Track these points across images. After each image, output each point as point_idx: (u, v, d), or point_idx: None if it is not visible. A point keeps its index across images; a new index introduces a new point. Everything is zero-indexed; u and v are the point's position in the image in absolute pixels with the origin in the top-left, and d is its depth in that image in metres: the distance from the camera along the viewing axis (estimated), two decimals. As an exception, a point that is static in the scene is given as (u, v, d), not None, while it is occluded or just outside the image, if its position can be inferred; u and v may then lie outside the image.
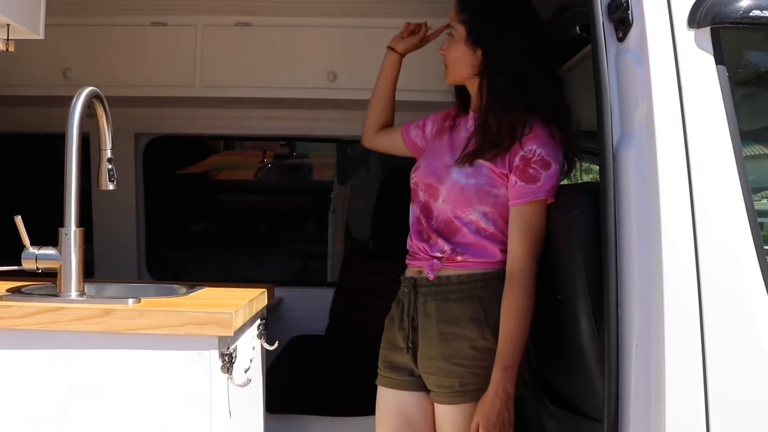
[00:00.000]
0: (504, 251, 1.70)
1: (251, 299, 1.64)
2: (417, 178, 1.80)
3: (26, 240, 1.50)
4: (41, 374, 1.41)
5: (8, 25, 1.76)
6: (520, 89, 1.68)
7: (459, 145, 1.76)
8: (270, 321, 3.44)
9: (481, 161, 1.69)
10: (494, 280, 1.69)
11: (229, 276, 4.13)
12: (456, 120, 1.85)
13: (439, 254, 1.71)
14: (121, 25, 3.01)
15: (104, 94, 3.09)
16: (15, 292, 1.53)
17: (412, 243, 1.79)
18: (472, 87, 1.77)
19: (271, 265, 4.19)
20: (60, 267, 1.47)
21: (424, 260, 1.73)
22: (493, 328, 1.66)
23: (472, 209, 1.69)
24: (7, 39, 1.78)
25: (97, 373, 1.40)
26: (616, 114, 1.39)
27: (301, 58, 3.03)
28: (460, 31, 1.73)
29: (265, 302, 1.85)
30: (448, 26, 1.78)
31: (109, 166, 1.70)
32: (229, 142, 4.42)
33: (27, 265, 1.50)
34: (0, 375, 1.40)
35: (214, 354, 1.40)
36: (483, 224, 1.69)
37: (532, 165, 1.65)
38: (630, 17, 1.37)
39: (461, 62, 1.73)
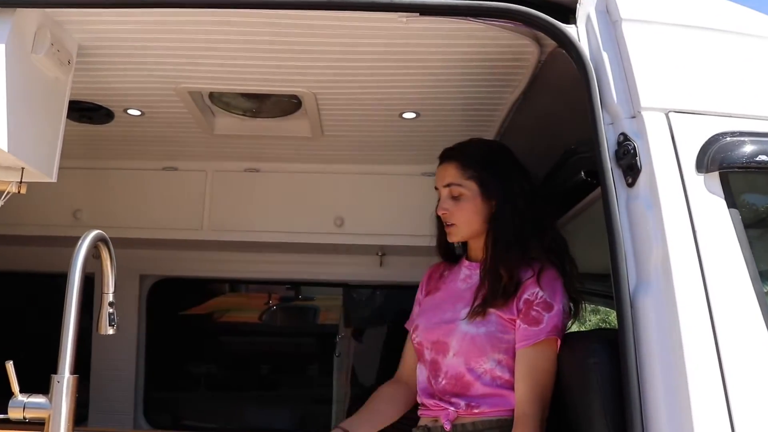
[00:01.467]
0: None
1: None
2: (420, 337, 1.78)
3: (15, 387, 1.42)
4: None
5: (23, 168, 1.78)
6: (527, 236, 1.70)
7: (462, 297, 1.75)
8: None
9: (490, 309, 1.70)
10: (510, 425, 1.65)
11: (231, 421, 3.96)
12: (444, 273, 1.88)
13: (454, 409, 1.69)
14: (133, 169, 3.10)
15: (111, 235, 3.13)
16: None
17: (422, 399, 1.76)
18: (478, 240, 1.77)
19: (274, 410, 4.03)
20: (49, 417, 1.37)
21: (439, 410, 1.70)
22: None
23: (485, 358, 1.66)
24: (20, 182, 1.79)
25: None
26: (631, 260, 1.36)
27: (309, 204, 3.08)
28: (470, 187, 1.76)
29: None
30: (447, 185, 1.80)
31: (110, 310, 1.65)
32: (235, 284, 4.41)
33: (13, 414, 1.40)
34: None
35: None
36: (498, 372, 1.67)
37: (535, 307, 1.66)
38: (638, 164, 1.38)
39: (476, 216, 1.75)
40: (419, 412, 1.79)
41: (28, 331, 3.54)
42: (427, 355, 1.74)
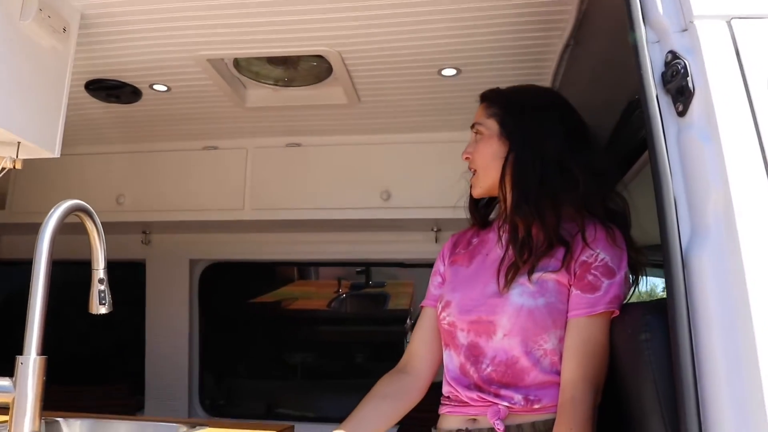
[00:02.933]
0: None
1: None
2: (452, 316, 1.45)
3: (-19, 369, 1.31)
4: None
5: (18, 143, 1.68)
6: (565, 184, 1.41)
7: (502, 265, 1.44)
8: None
9: (543, 275, 1.39)
10: None
11: (291, 410, 3.84)
12: (473, 240, 1.58)
13: (506, 404, 1.36)
14: (173, 151, 3.01)
15: (156, 219, 3.08)
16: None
17: (456, 391, 1.42)
18: (505, 191, 1.49)
19: (339, 399, 3.88)
20: (12, 401, 1.24)
21: (483, 406, 1.37)
22: None
23: (546, 335, 1.36)
24: (16, 157, 1.69)
25: None
26: (683, 207, 1.08)
27: (353, 178, 2.90)
28: (490, 125, 1.50)
29: (275, 448, 1.55)
30: (473, 126, 1.55)
31: (101, 288, 1.51)
32: (304, 270, 4.30)
33: (-21, 398, 1.29)
34: None
35: None
36: (559, 353, 1.37)
37: (593, 271, 1.36)
38: (691, 86, 1.09)
39: (494, 160, 1.48)
40: (445, 410, 1.44)
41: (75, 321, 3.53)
42: (462, 338, 1.42)
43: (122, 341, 3.60)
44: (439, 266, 1.60)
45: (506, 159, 1.45)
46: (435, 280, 1.60)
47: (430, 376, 1.55)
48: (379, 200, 2.86)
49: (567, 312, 1.37)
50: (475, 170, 1.52)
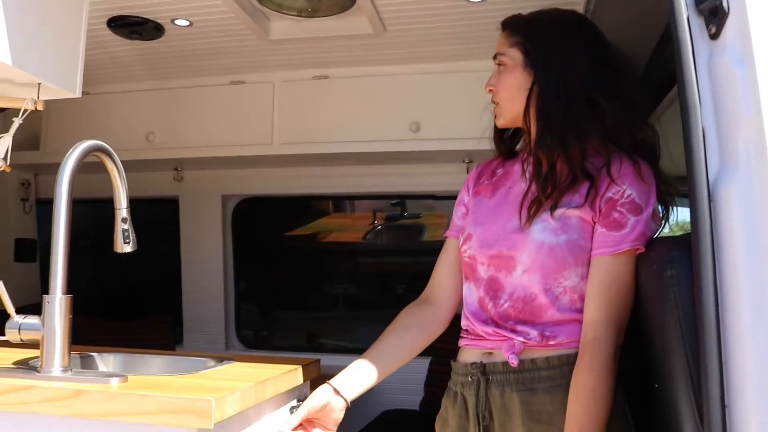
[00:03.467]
0: None
1: (267, 379, 1.37)
2: (473, 249, 1.41)
3: (10, 308, 1.34)
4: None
5: (39, 84, 1.68)
6: (591, 115, 1.33)
7: (525, 200, 1.38)
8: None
9: (566, 211, 1.32)
10: None
11: (323, 341, 3.93)
12: (497, 171, 1.51)
13: (522, 339, 1.33)
14: (201, 87, 2.99)
15: (186, 156, 3.09)
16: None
17: (473, 325, 1.40)
18: (529, 123, 1.41)
19: (377, 329, 3.95)
20: (42, 338, 1.28)
21: (500, 340, 1.35)
22: None
23: (567, 273, 1.32)
24: (37, 99, 1.69)
25: None
26: (712, 137, 1.01)
27: (381, 110, 2.85)
28: (513, 55, 1.41)
29: (300, 381, 1.57)
30: (495, 57, 1.47)
31: (125, 227, 1.52)
32: (339, 203, 4.31)
33: (10, 336, 1.33)
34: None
35: (193, 450, 1.13)
36: (579, 291, 1.33)
37: (619, 208, 1.30)
38: (725, 4, 1.01)
39: (518, 91, 1.39)
40: (463, 342, 1.42)
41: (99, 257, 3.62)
42: (482, 272, 1.38)
43: (164, 276, 3.69)
44: (463, 196, 1.54)
45: (530, 90, 1.37)
46: (459, 211, 1.54)
47: (453, 308, 1.52)
48: (408, 132, 2.81)
49: (590, 250, 1.32)
50: (498, 102, 1.44)
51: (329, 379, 1.42)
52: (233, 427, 1.25)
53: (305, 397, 1.66)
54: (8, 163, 1.68)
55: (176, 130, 3.02)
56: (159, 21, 2.39)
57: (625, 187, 1.30)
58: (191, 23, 2.41)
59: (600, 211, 1.31)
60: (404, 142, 2.82)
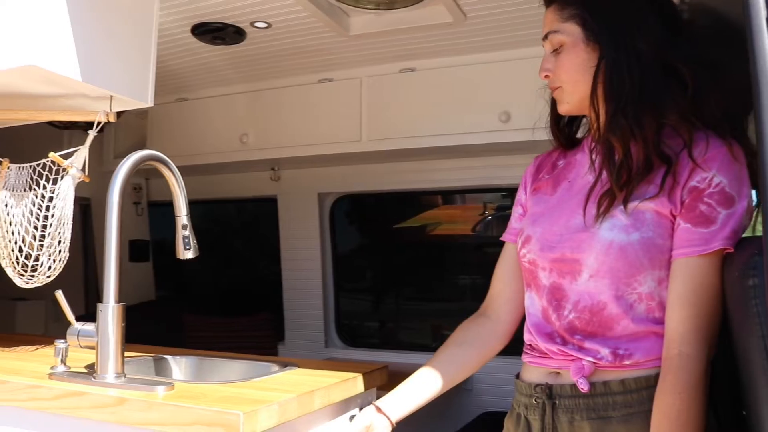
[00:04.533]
0: None
1: (315, 390, 1.33)
2: (533, 253, 1.25)
3: (69, 315, 1.39)
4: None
5: (111, 96, 1.74)
6: (669, 87, 1.15)
7: (593, 193, 1.20)
8: (456, 394, 3.10)
9: (639, 205, 1.14)
10: None
11: (426, 339, 3.86)
12: (558, 163, 1.33)
13: (591, 359, 1.16)
14: (290, 87, 3.02)
15: (279, 156, 3.14)
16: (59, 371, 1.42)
17: (536, 341, 1.24)
18: (597, 105, 1.21)
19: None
20: (96, 345, 1.32)
21: (565, 360, 1.19)
22: None
23: (642, 277, 1.14)
24: (109, 111, 1.75)
25: None
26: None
27: (470, 100, 2.73)
28: (570, 30, 1.22)
29: (359, 389, 1.52)
30: (546, 37, 1.27)
31: (185, 233, 1.54)
32: (447, 197, 4.23)
33: (71, 342, 1.38)
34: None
35: (223, 463, 1.11)
36: (657, 298, 1.15)
37: (706, 199, 1.11)
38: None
39: (583, 71, 1.20)
40: (527, 359, 1.27)
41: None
42: (544, 278, 1.22)
43: (270, 274, 3.78)
44: (521, 195, 1.39)
45: (597, 67, 1.19)
46: (516, 212, 1.39)
47: (514, 320, 1.37)
48: (498, 123, 2.68)
49: (669, 249, 1.13)
50: (559, 87, 1.26)
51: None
52: (275, 437, 1.22)
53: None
54: (86, 173, 1.75)
55: (268, 131, 3.07)
56: (239, 25, 2.42)
57: (712, 174, 1.11)
58: (270, 25, 2.42)
59: (682, 203, 1.12)
60: (495, 133, 2.69)
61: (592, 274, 1.16)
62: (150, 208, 3.73)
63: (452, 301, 3.85)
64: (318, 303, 3.43)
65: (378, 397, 1.65)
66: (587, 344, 1.16)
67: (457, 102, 2.75)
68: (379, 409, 1.31)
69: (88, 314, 3.34)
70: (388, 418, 1.30)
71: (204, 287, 3.97)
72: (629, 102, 1.15)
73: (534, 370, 1.24)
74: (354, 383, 1.50)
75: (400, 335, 3.79)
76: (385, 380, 1.66)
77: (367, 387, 1.55)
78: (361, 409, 1.57)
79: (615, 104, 1.16)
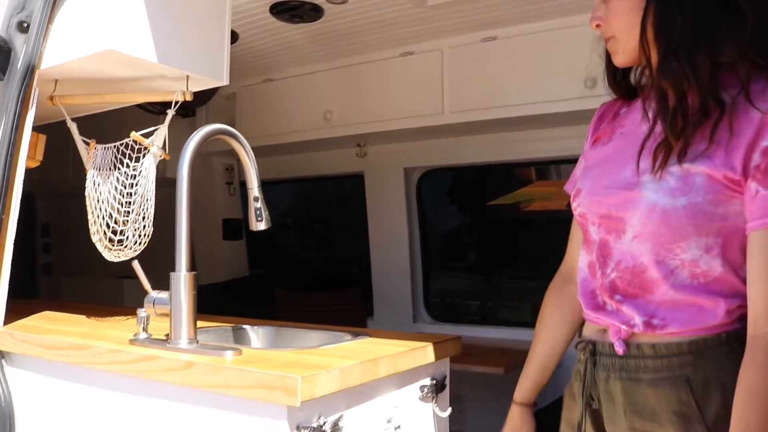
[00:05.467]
0: (732, 307, 1.06)
1: (380, 357, 1.33)
2: (583, 207, 1.19)
3: (146, 284, 1.45)
4: (132, 419, 1.32)
5: (187, 76, 1.79)
6: (727, 21, 1.03)
7: (647, 147, 1.11)
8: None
9: (690, 166, 1.04)
10: (712, 350, 1.06)
11: (525, 317, 3.78)
12: (620, 112, 1.24)
13: (625, 327, 1.12)
14: (372, 62, 3.01)
15: (361, 132, 3.15)
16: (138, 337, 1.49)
17: (582, 303, 1.21)
18: (648, 50, 1.10)
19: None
20: (170, 312, 1.37)
21: (605, 321, 1.17)
22: (710, 428, 1.04)
23: (685, 244, 1.06)
24: (186, 90, 1.81)
25: (173, 429, 1.28)
26: None
27: (553, 67, 2.61)
28: None
29: (430, 359, 1.50)
30: None
31: (257, 206, 1.57)
32: (541, 169, 4.12)
33: (148, 310, 1.45)
34: (103, 413, 1.36)
35: (283, 426, 1.13)
36: (703, 266, 1.06)
37: None
38: None
39: (636, 15, 1.09)
40: (585, 316, 1.22)
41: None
42: (594, 233, 1.16)
43: (359, 251, 3.82)
44: (586, 145, 1.30)
45: (645, 10, 1.08)
46: (580, 162, 1.30)
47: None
48: (584, 89, 2.55)
49: (720, 217, 1.04)
50: (612, 36, 1.15)
51: None
52: (336, 404, 1.22)
53: (442, 376, 1.60)
54: (167, 151, 1.82)
55: (351, 107, 3.08)
56: (314, 2, 2.43)
57: None
58: (345, 0, 2.42)
59: (757, 167, 1.00)
60: (581, 100, 2.56)
61: (635, 234, 1.09)
62: (242, 187, 3.85)
63: (549, 279, 3.73)
64: (406, 278, 3.43)
65: (451, 368, 1.64)
66: (624, 307, 1.12)
67: (541, 69, 2.64)
68: (519, 404, 1.36)
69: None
70: (527, 406, 1.36)
71: (296, 264, 4.07)
72: (681, 42, 1.04)
73: (588, 326, 1.23)
74: (423, 352, 1.48)
75: (499, 313, 3.74)
76: (458, 351, 1.63)
77: (438, 357, 1.53)
78: (432, 379, 1.56)
79: (666, 45, 1.06)
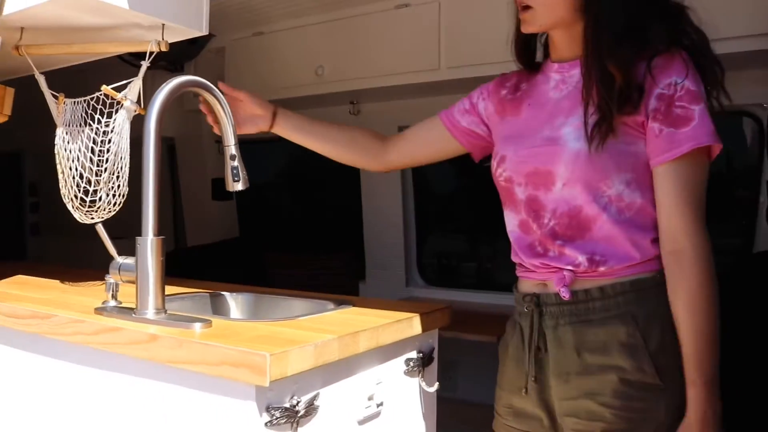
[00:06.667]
0: (656, 237, 1.19)
1: (360, 330, 1.24)
2: (509, 171, 1.29)
3: (111, 249, 1.36)
4: (96, 394, 1.24)
5: (163, 25, 1.67)
6: (647, 20, 1.18)
7: (560, 109, 1.25)
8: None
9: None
10: (651, 289, 1.19)
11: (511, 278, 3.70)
12: (520, 85, 1.36)
13: (570, 267, 1.22)
14: (367, 14, 2.86)
15: (356, 87, 3.02)
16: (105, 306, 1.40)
17: (521, 258, 1.31)
18: (568, 31, 1.24)
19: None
20: (136, 280, 1.28)
21: (548, 272, 1.26)
22: (653, 356, 1.16)
23: (610, 181, 1.19)
24: (162, 39, 1.68)
25: (138, 406, 1.20)
26: None
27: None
28: None
29: (416, 331, 1.41)
30: None
31: (233, 164, 1.46)
32: None
33: (113, 276, 1.35)
34: (65, 387, 1.28)
35: (251, 407, 1.04)
36: (627, 198, 1.19)
37: (678, 102, 1.15)
38: None
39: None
40: (519, 273, 1.33)
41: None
42: (520, 193, 1.28)
43: (351, 212, 3.72)
44: (476, 102, 1.45)
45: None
46: (463, 105, 1.48)
47: (397, 162, 1.59)
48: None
49: (635, 153, 1.18)
50: (529, 6, 1.23)
51: None
52: (311, 382, 1.13)
53: (430, 349, 1.51)
54: (142, 106, 1.70)
55: (343, 62, 2.94)
56: (305, -52, 2.29)
57: (674, 79, 1.15)
58: (336, -54, 2.27)
59: (656, 110, 1.16)
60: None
61: (564, 182, 1.21)
62: (233, 146, 3.72)
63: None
64: (399, 241, 3.33)
65: (440, 339, 1.56)
66: (567, 250, 1.22)
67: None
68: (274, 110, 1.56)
69: (178, 249, 3.38)
70: (273, 114, 1.57)
71: (287, 225, 3.97)
72: (626, 29, 1.16)
73: (525, 283, 1.32)
74: (409, 324, 1.39)
75: (496, 277, 3.66)
76: (447, 321, 1.54)
77: (425, 329, 1.44)
78: (419, 352, 1.47)
79: (613, 30, 1.16)
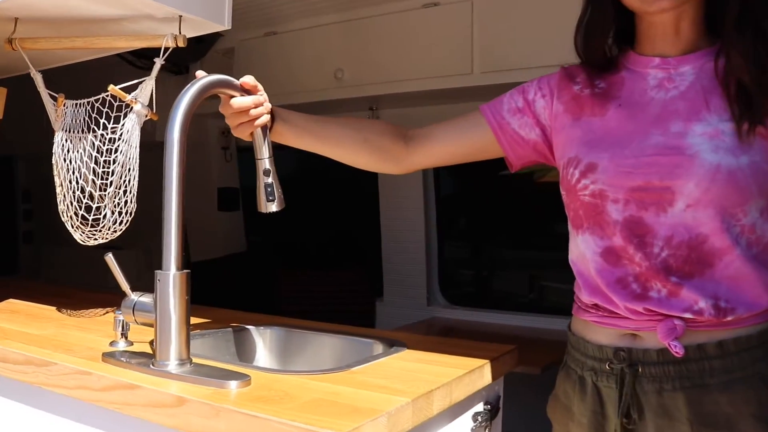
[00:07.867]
0: None
1: (434, 389, 1.01)
2: (603, 183, 1.02)
3: (124, 284, 1.12)
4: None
5: (180, 17, 1.44)
6: None
7: (674, 111, 1.00)
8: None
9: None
10: None
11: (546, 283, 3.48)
12: (597, 82, 1.09)
13: (688, 315, 0.97)
14: (391, 14, 2.64)
15: (375, 93, 2.79)
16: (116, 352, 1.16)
17: (607, 299, 1.03)
18: (669, 16, 1.00)
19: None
20: (155, 324, 1.04)
21: (649, 320, 1.00)
22: None
23: (748, 207, 0.97)
24: (179, 33, 1.45)
25: None
26: None
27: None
28: None
29: (488, 381, 1.19)
30: None
31: (267, 180, 1.23)
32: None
33: (126, 317, 1.12)
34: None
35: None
36: (758, 231, 0.98)
37: None
38: None
39: None
40: (590, 318, 1.06)
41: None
42: (615, 212, 1.01)
43: (367, 226, 3.50)
44: (535, 95, 1.15)
45: None
46: (515, 101, 1.17)
47: (421, 163, 1.26)
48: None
49: None
50: None
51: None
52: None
53: (496, 398, 1.29)
54: (154, 110, 1.48)
55: (365, 66, 2.72)
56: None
57: None
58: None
59: None
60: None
61: (689, 203, 0.97)
62: (240, 153, 3.49)
63: (554, 249, 3.42)
64: (420, 257, 3.10)
65: (505, 387, 1.34)
66: (685, 291, 0.97)
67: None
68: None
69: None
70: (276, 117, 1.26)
71: (299, 238, 3.73)
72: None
73: (602, 331, 1.05)
74: (480, 374, 1.17)
75: (499, 286, 3.46)
76: (515, 365, 1.32)
77: (495, 377, 1.22)
78: (486, 403, 1.24)
79: (741, 17, 0.96)
